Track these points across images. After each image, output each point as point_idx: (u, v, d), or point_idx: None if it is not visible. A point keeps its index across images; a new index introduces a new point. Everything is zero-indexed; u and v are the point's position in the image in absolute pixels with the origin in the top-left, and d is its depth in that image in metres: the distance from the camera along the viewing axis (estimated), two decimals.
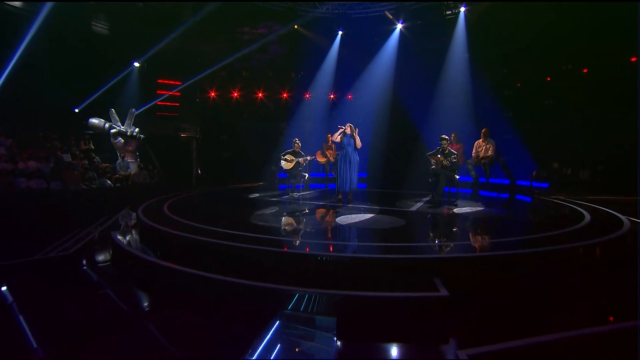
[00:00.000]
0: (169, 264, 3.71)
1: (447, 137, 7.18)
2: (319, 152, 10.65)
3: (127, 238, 4.90)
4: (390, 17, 10.70)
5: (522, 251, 3.85)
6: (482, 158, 8.34)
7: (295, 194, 8.78)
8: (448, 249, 4.13)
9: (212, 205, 7.72)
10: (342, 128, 7.35)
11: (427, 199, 7.79)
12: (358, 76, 12.18)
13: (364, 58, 11.75)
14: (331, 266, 3.59)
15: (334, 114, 12.97)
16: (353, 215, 5.87)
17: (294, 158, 8.83)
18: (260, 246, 3.89)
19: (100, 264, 4.48)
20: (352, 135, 7.34)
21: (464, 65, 10.15)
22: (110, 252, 4.67)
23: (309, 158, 8.89)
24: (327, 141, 10.74)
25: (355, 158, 7.34)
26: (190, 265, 3.59)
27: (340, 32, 11.60)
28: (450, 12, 10.73)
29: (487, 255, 3.84)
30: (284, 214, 6.33)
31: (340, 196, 7.59)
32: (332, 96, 13.64)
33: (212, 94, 13.86)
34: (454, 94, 10.51)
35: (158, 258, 4.08)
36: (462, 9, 9.99)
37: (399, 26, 10.70)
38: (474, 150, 8.51)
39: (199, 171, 12.75)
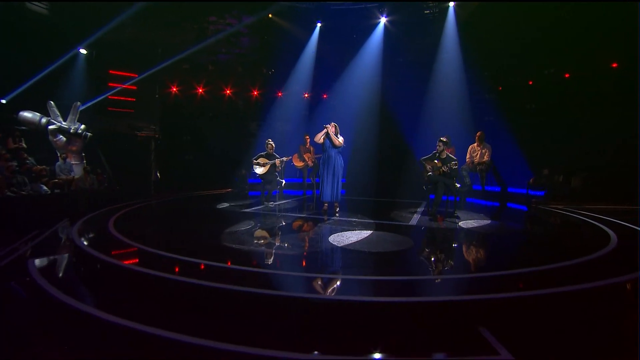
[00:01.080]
0: (102, 315, 2.51)
1: (445, 139, 6.39)
2: (296, 155, 9.60)
3: (51, 268, 3.60)
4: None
5: (591, 285, 3.01)
6: (478, 164, 7.66)
7: (271, 204, 7.67)
8: (484, 282, 3.23)
9: (172, 219, 6.41)
10: (326, 127, 6.37)
11: (422, 209, 6.97)
12: (338, 74, 11.24)
13: (345, 54, 10.84)
14: (340, 313, 2.57)
15: (311, 115, 11.96)
16: (347, 233, 4.88)
17: (267, 161, 7.73)
18: (238, 286, 2.79)
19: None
20: (336, 134, 6.39)
21: (455, 65, 9.48)
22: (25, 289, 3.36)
23: (285, 159, 7.81)
24: (305, 143, 9.71)
25: (340, 162, 6.39)
26: (138, 315, 2.43)
27: (319, 25, 10.62)
28: (429, 11, 10.05)
29: (552, 293, 2.96)
30: (263, 232, 5.23)
31: (325, 207, 6.59)
32: (306, 95, 12.60)
33: (174, 89, 12.40)
34: (444, 94, 9.84)
35: (90, 304, 2.85)
36: (451, 4, 9.32)
37: (383, 20, 9.88)
38: (467, 155, 7.81)
39: (158, 175, 11.27)
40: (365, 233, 4.92)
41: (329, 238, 4.64)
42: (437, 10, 9.86)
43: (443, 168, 6.19)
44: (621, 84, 8.47)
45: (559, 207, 7.24)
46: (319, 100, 12.41)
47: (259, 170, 7.76)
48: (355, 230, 5.10)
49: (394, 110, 10.19)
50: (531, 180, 7.86)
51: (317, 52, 10.81)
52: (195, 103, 12.73)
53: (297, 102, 12.28)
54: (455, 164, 6.09)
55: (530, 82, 10.57)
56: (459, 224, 5.58)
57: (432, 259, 4.04)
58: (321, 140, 6.45)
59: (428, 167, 6.45)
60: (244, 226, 5.36)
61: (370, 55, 10.30)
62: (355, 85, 10.76)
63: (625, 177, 7.62)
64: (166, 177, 11.04)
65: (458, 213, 6.38)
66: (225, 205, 7.59)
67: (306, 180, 9.68)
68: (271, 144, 7.86)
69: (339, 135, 6.46)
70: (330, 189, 6.41)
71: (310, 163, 9.40)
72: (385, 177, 10.07)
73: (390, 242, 4.53)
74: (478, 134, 7.61)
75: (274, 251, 4.17)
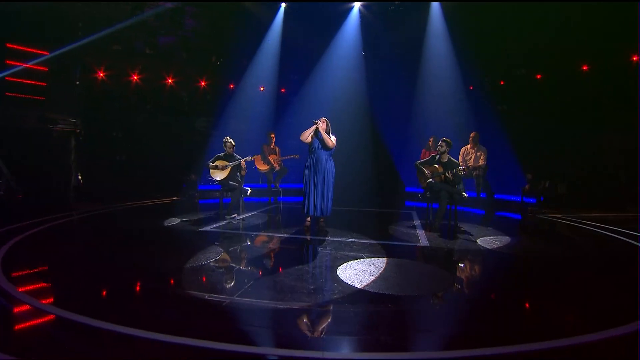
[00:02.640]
0: None
1: (448, 140, 5.42)
2: (259, 157, 8.15)
3: None
4: None
5: None
6: (474, 169, 6.86)
7: (235, 217, 6.15)
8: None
9: (102, 246, 4.58)
10: (315, 123, 5.08)
11: (417, 221, 5.95)
12: (307, 64, 9.91)
13: (315, 42, 9.54)
14: None
15: (278, 111, 10.47)
16: (355, 264, 3.63)
17: (227, 163, 6.20)
18: None
19: None
20: (327, 132, 5.14)
21: (443, 58, 8.62)
22: None
23: (250, 158, 6.34)
24: (270, 142, 8.30)
25: (331, 167, 5.14)
26: None
27: (283, 5, 9.19)
28: (392, 7, 9.10)
29: None
30: (239, 266, 3.77)
31: (308, 223, 5.28)
32: (262, 88, 11.07)
33: (100, 75, 10.12)
34: (431, 91, 8.98)
35: None
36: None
37: (357, 5, 8.75)
38: (460, 159, 7.00)
39: (80, 180, 8.98)
40: (378, 261, 3.72)
41: (337, 272, 3.36)
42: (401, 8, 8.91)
43: (447, 174, 5.20)
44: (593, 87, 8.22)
45: (557, 215, 6.67)
46: (282, 94, 10.91)
47: (218, 175, 6.19)
48: (362, 256, 3.87)
49: (372, 107, 9.13)
50: (527, 187, 7.18)
51: (283, 37, 9.36)
52: (128, 93, 10.56)
53: (257, 96, 10.71)
54: (464, 170, 5.14)
55: (502, 82, 9.95)
56: (477, 242, 4.61)
57: (487, 302, 2.96)
58: (308, 140, 5.14)
59: (427, 172, 5.44)
60: (208, 257, 3.85)
61: (343, 43, 9.12)
62: (326, 78, 9.52)
63: (612, 183, 7.37)
64: (90, 182, 8.82)
65: (462, 226, 5.47)
66: (175, 221, 5.90)
67: (271, 186, 8.25)
68: (230, 142, 6.33)
69: (331, 134, 5.20)
70: (320, 200, 5.12)
71: (276, 166, 8.00)
72: (360, 184, 8.98)
73: (420, 275, 3.39)
74: (472, 134, 6.84)
75: (267, 305, 2.78)
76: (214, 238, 4.79)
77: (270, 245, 4.52)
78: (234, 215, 6.17)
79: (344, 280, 3.15)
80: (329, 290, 2.95)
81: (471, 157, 6.81)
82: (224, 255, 3.95)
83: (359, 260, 3.75)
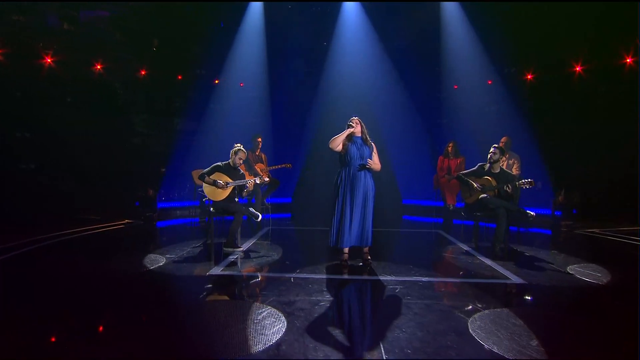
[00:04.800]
0: None
1: (502, 146, 4.85)
2: (242, 167, 6.65)
3: None
4: None
5: None
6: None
7: (240, 249, 4.72)
8: None
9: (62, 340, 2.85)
10: (352, 122, 4.01)
11: (466, 245, 5.14)
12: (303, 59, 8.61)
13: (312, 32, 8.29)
14: None
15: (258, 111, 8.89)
16: (479, 318, 2.72)
17: (229, 180, 4.77)
18: None
19: None
20: (365, 139, 4.09)
21: (456, 52, 7.97)
22: None
23: (265, 180, 5.00)
24: (255, 149, 6.88)
25: (371, 184, 4.12)
26: None
27: None
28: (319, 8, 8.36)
29: None
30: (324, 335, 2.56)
31: (346, 256, 4.15)
32: (216, 81, 9.41)
33: None
34: (440, 89, 8.33)
35: None
36: None
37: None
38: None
39: None
40: (502, 313, 2.86)
41: (470, 330, 2.43)
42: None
43: (506, 188, 4.60)
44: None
45: (595, 230, 6.01)
46: (242, 86, 9.29)
47: (217, 194, 4.71)
48: (474, 307, 2.97)
49: (365, 104, 8.20)
50: (560, 198, 6.75)
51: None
52: (39, 79, 7.96)
53: (222, 87, 8.98)
54: (526, 183, 4.56)
55: (490, 82, 8.42)
56: (573, 273, 3.91)
57: None
58: (340, 148, 4.01)
59: (477, 186, 4.78)
60: (271, 331, 2.55)
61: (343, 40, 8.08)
62: (325, 76, 8.35)
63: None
64: None
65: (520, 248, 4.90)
66: (159, 260, 4.23)
67: (252, 201, 6.83)
68: (243, 152, 4.92)
69: (371, 143, 4.16)
70: (360, 226, 4.03)
71: (265, 178, 6.60)
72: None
73: (578, 332, 2.62)
74: (503, 140, 6.18)
75: None
76: (239, 288, 3.42)
77: (317, 296, 3.31)
78: (240, 248, 4.72)
79: (494, 348, 2.22)
80: None
81: (503, 164, 6.14)
82: (286, 324, 2.67)
83: (478, 312, 2.84)
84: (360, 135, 4.09)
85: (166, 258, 4.30)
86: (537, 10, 7.52)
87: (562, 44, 7.56)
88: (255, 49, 8.33)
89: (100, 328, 2.67)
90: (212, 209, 4.80)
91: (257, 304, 3.02)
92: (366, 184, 4.05)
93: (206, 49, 8.68)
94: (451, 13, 7.75)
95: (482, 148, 6.80)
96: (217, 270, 3.91)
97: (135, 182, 6.98)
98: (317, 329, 2.60)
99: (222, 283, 3.66)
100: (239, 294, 3.44)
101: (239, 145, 4.96)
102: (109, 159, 7.74)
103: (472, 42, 7.75)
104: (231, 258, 4.39)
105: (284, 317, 2.76)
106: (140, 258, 4.26)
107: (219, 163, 4.90)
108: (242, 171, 5.04)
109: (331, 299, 3.19)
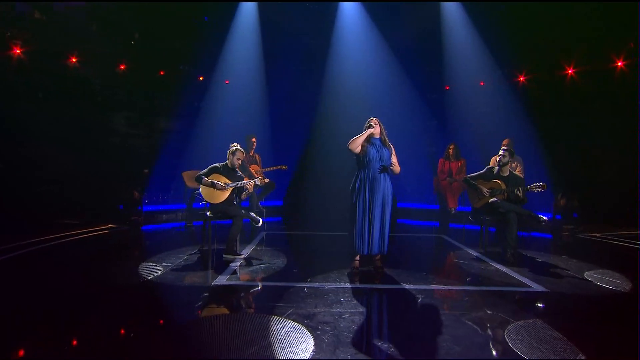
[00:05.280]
0: None
1: (512, 148, 4.78)
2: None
3: None
4: None
5: None
6: None
7: (241, 256, 4.40)
8: None
9: None
10: (371, 126, 3.81)
11: (475, 251, 4.98)
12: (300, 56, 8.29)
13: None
14: None
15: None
16: (513, 329, 2.57)
17: (227, 181, 4.45)
18: None
19: None
20: (383, 141, 3.90)
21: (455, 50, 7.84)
22: None
23: (262, 181, 4.69)
24: (249, 149, 6.55)
25: (390, 187, 3.92)
26: None
27: None
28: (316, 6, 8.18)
29: None
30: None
31: (357, 263, 3.94)
32: (201, 77, 8.97)
33: None
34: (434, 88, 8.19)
35: None
36: None
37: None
38: None
39: None
40: (537, 325, 2.72)
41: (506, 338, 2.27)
42: None
43: (517, 192, 4.52)
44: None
45: (596, 234, 5.94)
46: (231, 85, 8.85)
47: (214, 197, 4.38)
48: (495, 326, 2.80)
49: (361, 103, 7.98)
50: (561, 201, 6.51)
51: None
52: (7, 71, 7.29)
53: (216, 87, 8.55)
54: (542, 187, 4.48)
55: (482, 83, 8.39)
56: (591, 280, 3.82)
57: None
58: (359, 149, 3.80)
59: (485, 190, 4.68)
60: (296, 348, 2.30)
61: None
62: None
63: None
64: None
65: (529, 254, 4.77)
66: (157, 270, 3.85)
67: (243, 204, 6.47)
68: (241, 152, 4.62)
69: (389, 145, 3.96)
70: (379, 232, 3.84)
71: (265, 180, 6.29)
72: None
73: (621, 344, 2.50)
74: (505, 142, 6.02)
75: None
76: (250, 299, 3.13)
77: (339, 309, 3.07)
78: (241, 256, 4.40)
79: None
80: None
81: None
82: (314, 343, 2.42)
83: (511, 324, 2.69)
84: (379, 136, 3.89)
85: (163, 267, 3.94)
86: (540, 9, 7.39)
87: (559, 45, 7.57)
88: (250, 45, 8.01)
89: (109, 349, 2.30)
90: (208, 212, 4.46)
91: (276, 317, 2.75)
92: (386, 187, 3.87)
93: (193, 44, 8.23)
94: (451, 13, 7.67)
95: (482, 150, 6.78)
96: (222, 280, 3.60)
97: (118, 184, 6.47)
98: (349, 346, 2.36)
99: (231, 294, 3.37)
100: (252, 306, 3.17)
101: (236, 144, 4.66)
102: (87, 158, 7.16)
103: (473, 42, 7.70)
104: (233, 266, 4.08)
105: (308, 333, 2.53)
106: (135, 266, 3.88)
107: (216, 164, 4.59)
108: (240, 173, 4.72)
109: (354, 310, 2.97)
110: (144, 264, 4.02)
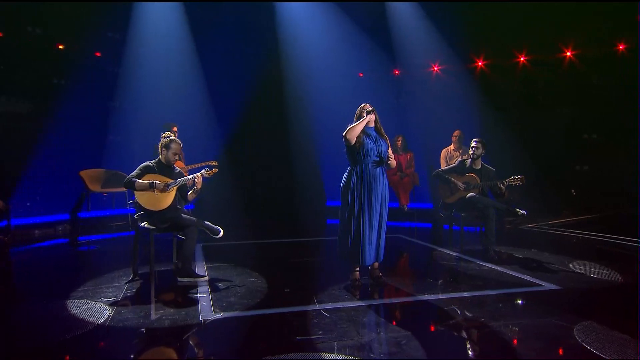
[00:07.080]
0: None
1: (483, 140, 4.60)
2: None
3: None
4: None
5: None
6: None
7: (204, 278, 3.31)
8: None
9: None
10: (366, 115, 3.30)
11: (453, 253, 4.65)
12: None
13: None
14: None
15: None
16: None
17: (168, 180, 3.38)
18: None
19: None
20: (379, 131, 3.44)
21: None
22: None
23: (209, 173, 3.61)
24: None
25: (387, 186, 3.53)
26: None
27: None
28: None
29: None
30: None
31: (357, 275, 3.38)
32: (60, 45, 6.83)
33: None
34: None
35: None
36: None
37: None
38: (443, 163, 5.83)
39: None
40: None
41: None
42: None
43: (500, 185, 4.39)
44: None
45: (534, 225, 5.98)
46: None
47: (157, 203, 3.22)
48: (555, 331, 2.63)
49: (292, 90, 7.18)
50: (505, 193, 6.22)
51: None
52: None
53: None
54: (521, 180, 4.31)
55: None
56: (590, 274, 3.76)
57: None
58: (354, 140, 3.26)
59: (460, 184, 4.57)
60: None
61: None
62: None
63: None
64: None
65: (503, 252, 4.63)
66: (97, 308, 2.51)
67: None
68: (178, 143, 3.50)
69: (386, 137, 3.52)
70: (377, 239, 3.35)
71: (206, 173, 5.01)
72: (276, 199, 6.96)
73: None
74: (456, 133, 5.80)
75: None
76: (271, 334, 2.31)
77: (404, 325, 2.53)
78: (204, 278, 3.29)
79: None
80: None
81: (455, 160, 5.48)
82: None
83: (573, 327, 2.55)
84: (373, 125, 3.38)
85: (103, 302, 2.60)
86: None
87: (512, 32, 7.24)
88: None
89: None
90: (146, 224, 3.26)
91: (328, 355, 2.00)
92: (384, 186, 3.39)
93: None
94: None
95: (430, 141, 6.69)
96: (209, 315, 2.55)
97: None
98: None
99: (238, 331, 2.46)
100: (288, 342, 2.25)
101: (169, 134, 3.61)
102: None
103: (423, 26, 7.19)
104: (204, 294, 2.99)
105: None
106: (62, 305, 2.46)
107: (147, 163, 3.52)
108: (178, 169, 3.63)
109: (406, 333, 2.42)
110: (70, 300, 2.62)
